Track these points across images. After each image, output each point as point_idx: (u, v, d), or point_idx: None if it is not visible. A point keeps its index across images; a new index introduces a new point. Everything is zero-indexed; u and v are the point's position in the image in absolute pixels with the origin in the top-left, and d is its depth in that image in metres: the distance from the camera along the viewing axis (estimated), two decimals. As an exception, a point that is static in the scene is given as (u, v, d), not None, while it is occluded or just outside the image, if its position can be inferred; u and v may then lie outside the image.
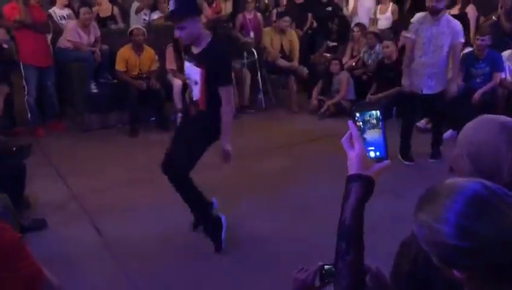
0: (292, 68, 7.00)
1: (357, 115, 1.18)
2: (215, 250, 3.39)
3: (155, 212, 3.95)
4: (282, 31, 7.00)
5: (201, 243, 3.51)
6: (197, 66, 3.17)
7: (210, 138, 3.38)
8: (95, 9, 6.87)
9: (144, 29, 6.19)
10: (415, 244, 1.10)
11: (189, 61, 3.25)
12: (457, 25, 4.74)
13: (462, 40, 4.83)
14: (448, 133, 5.44)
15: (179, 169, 3.33)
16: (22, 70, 5.83)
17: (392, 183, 4.39)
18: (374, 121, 1.17)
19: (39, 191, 4.27)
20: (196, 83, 3.21)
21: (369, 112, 1.17)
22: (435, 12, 4.61)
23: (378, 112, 1.17)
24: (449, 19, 4.76)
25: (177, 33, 3.16)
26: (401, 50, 6.50)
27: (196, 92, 3.24)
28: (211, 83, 3.15)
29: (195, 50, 3.20)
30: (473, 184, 0.96)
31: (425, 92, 4.83)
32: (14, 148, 4.81)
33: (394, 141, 5.04)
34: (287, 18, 7.04)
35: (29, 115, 5.95)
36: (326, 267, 1.42)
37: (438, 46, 4.68)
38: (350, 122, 1.18)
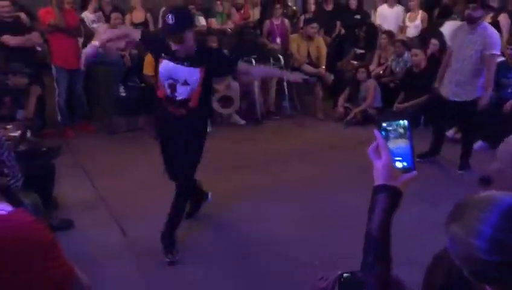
0: (318, 74, 6.98)
1: (384, 124, 1.16)
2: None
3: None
4: (309, 38, 7.00)
5: (227, 246, 3.52)
6: (195, 67, 3.21)
7: (206, 133, 3.56)
8: (128, 15, 7.01)
9: None
10: (448, 258, 1.08)
11: (176, 62, 3.21)
12: (493, 35, 4.61)
13: (494, 52, 4.63)
14: (478, 145, 5.33)
15: (190, 180, 3.51)
16: (54, 73, 5.98)
17: (419, 193, 4.33)
18: (401, 131, 1.16)
19: (67, 191, 4.36)
20: (186, 83, 3.24)
21: (396, 122, 1.16)
22: (471, 21, 4.57)
23: (405, 122, 1.15)
24: (486, 29, 4.64)
25: (174, 46, 3.11)
26: (430, 58, 6.42)
27: (184, 92, 3.26)
28: (209, 79, 3.33)
29: (182, 53, 3.18)
30: (509, 198, 0.94)
31: (451, 98, 4.81)
32: (44, 149, 4.94)
33: (421, 149, 4.97)
34: (314, 25, 7.03)
35: (59, 117, 6.08)
36: (345, 275, 1.41)
37: (467, 55, 4.63)
38: (376, 132, 1.16)
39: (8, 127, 4.03)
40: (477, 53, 4.59)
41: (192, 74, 3.23)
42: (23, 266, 0.89)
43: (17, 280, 0.88)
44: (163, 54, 3.23)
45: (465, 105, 4.78)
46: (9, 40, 5.63)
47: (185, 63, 3.20)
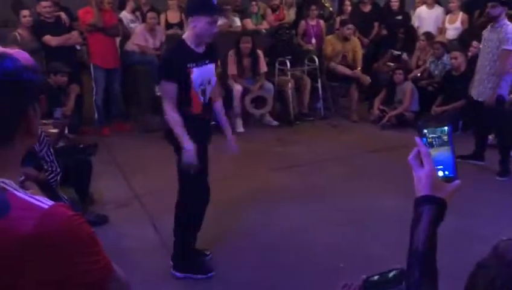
0: (354, 76, 6.90)
1: (425, 131, 1.11)
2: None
3: (212, 212, 3.99)
4: (345, 39, 6.92)
5: (255, 245, 3.51)
6: (211, 62, 3.09)
7: None
8: (162, 15, 7.10)
9: None
10: (494, 268, 1.03)
11: (200, 64, 3.01)
12: (508, 31, 4.54)
13: (509, 48, 4.52)
14: None
15: None
16: (92, 72, 6.11)
17: (457, 201, 4.21)
18: (444, 138, 1.11)
19: (103, 188, 4.45)
20: (210, 82, 3.09)
21: (438, 128, 1.11)
22: (491, 19, 4.62)
23: (447, 128, 1.10)
24: (506, 26, 4.57)
25: (215, 28, 2.95)
26: (471, 61, 6.24)
27: (209, 91, 3.10)
28: None
29: (200, 49, 3.01)
30: None
31: (475, 98, 4.83)
32: (81, 146, 5.06)
33: (459, 155, 4.83)
34: (350, 26, 6.95)
35: (96, 115, 6.21)
36: (370, 279, 1.36)
37: (486, 52, 4.69)
38: (417, 138, 1.11)
39: (47, 123, 4.13)
40: (495, 50, 4.58)
41: (212, 71, 3.11)
42: (65, 260, 0.89)
43: (59, 273, 0.88)
44: (189, 64, 2.96)
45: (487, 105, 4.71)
46: (51, 40, 5.79)
47: (207, 61, 3.05)
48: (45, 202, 0.90)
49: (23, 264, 0.86)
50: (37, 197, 0.92)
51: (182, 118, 2.96)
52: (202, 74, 3.00)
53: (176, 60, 2.98)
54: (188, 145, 2.96)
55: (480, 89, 4.80)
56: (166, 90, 2.97)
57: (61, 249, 0.88)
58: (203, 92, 3.06)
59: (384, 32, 7.85)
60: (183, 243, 3.27)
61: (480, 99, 4.79)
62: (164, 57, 3.01)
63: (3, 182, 0.91)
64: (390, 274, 1.30)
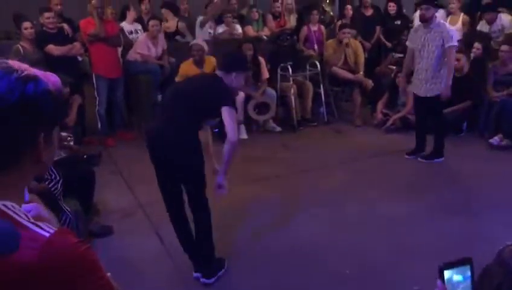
0: (356, 80, 6.88)
1: (446, 273, 1.10)
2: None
3: (217, 219, 3.97)
4: (345, 43, 6.92)
5: (260, 251, 3.49)
6: None
7: None
8: (162, 25, 7.12)
9: (203, 45, 6.16)
10: (501, 272, 1.01)
11: None
12: (449, 30, 5.07)
13: (454, 44, 4.98)
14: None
15: None
16: (94, 82, 6.12)
17: (462, 204, 4.18)
18: (466, 279, 1.10)
19: (107, 198, 4.44)
20: None
21: (459, 268, 1.10)
22: (425, 21, 4.98)
23: (468, 268, 1.10)
24: (443, 25, 5.08)
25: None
26: (473, 62, 6.23)
27: None
28: None
29: None
30: None
31: (423, 95, 5.13)
32: (85, 156, 5.06)
33: (464, 157, 4.82)
34: (346, 30, 6.95)
35: (99, 125, 6.21)
36: None
37: (430, 51, 4.96)
38: (439, 282, 1.10)
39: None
40: (439, 48, 4.92)
41: None
42: (69, 288, 0.88)
43: None
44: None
45: (431, 99, 5.09)
46: (53, 50, 5.82)
47: None
48: (47, 229, 0.89)
49: None
50: (39, 223, 0.90)
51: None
52: None
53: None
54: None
55: (427, 86, 5.09)
56: (233, 116, 3.08)
57: (64, 278, 0.86)
58: None
59: (383, 38, 7.86)
60: (212, 248, 3.27)
61: (428, 95, 5.09)
62: (225, 87, 3.17)
63: (4, 205, 0.89)
64: None
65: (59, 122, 0.99)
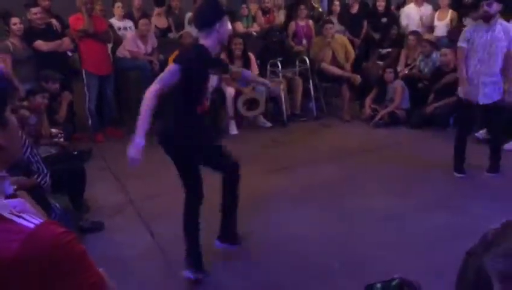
0: (344, 76, 6.94)
1: None
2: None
3: (207, 214, 4.00)
4: (332, 38, 6.98)
5: (251, 247, 3.53)
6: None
7: None
8: (153, 19, 7.12)
9: (193, 33, 6.16)
10: (482, 255, 1.06)
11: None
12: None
13: None
14: (510, 145, 5.20)
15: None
16: (84, 78, 6.11)
17: (449, 198, 4.25)
18: None
19: (98, 194, 4.45)
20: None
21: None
22: (487, 18, 4.42)
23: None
24: (504, 25, 4.50)
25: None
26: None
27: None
28: None
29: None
30: None
31: (481, 102, 4.60)
32: (75, 153, 5.06)
33: (450, 152, 4.87)
34: (330, 25, 7.02)
35: (89, 122, 6.21)
36: (373, 288, 1.35)
37: (492, 53, 4.48)
38: None
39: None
40: (503, 50, 4.45)
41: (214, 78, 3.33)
42: (55, 280, 0.88)
43: None
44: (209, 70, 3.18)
45: (493, 106, 4.62)
46: (42, 45, 5.80)
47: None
48: (32, 221, 0.89)
49: (8, 288, 0.85)
50: (24, 215, 0.90)
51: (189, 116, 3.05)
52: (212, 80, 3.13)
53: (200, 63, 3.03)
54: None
55: (485, 91, 4.59)
56: (171, 73, 2.94)
57: (49, 269, 0.87)
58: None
59: (371, 34, 7.90)
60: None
61: (486, 102, 4.60)
62: (189, 57, 3.04)
63: None
64: (393, 283, 1.31)
65: (8, 104, 0.97)
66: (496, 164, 4.76)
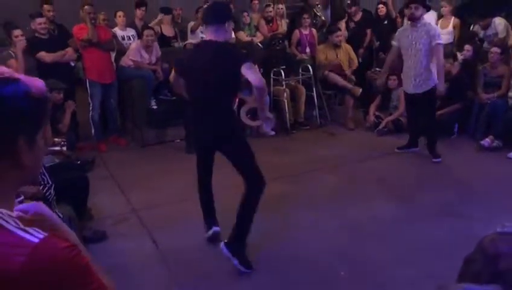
0: (346, 87, 6.93)
1: None
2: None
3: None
4: (336, 46, 7.00)
5: (255, 254, 3.50)
6: None
7: None
8: (158, 27, 7.16)
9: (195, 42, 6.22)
10: (481, 259, 1.05)
11: None
12: (436, 28, 5.30)
13: (440, 41, 5.06)
14: None
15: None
16: (88, 87, 6.12)
17: (453, 206, 4.22)
18: None
19: (101, 203, 4.44)
20: None
21: None
22: (413, 20, 5.08)
23: None
24: (428, 24, 5.18)
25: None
26: (463, 65, 6.29)
27: None
28: None
29: None
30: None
31: (410, 92, 5.28)
32: (78, 162, 5.06)
33: (456, 159, 4.86)
34: (339, 32, 7.03)
35: (92, 131, 6.21)
36: None
37: (417, 49, 5.06)
38: None
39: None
40: (426, 46, 5.00)
41: None
42: None
43: None
44: None
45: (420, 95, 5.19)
46: (45, 56, 5.82)
47: None
48: (36, 235, 0.88)
49: None
50: (29, 229, 0.89)
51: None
52: None
53: None
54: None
55: (416, 83, 5.18)
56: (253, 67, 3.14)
57: (53, 283, 0.86)
58: None
59: (376, 42, 7.92)
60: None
61: (418, 92, 5.19)
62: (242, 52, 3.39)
63: None
64: None
65: (43, 126, 0.97)
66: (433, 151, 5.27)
